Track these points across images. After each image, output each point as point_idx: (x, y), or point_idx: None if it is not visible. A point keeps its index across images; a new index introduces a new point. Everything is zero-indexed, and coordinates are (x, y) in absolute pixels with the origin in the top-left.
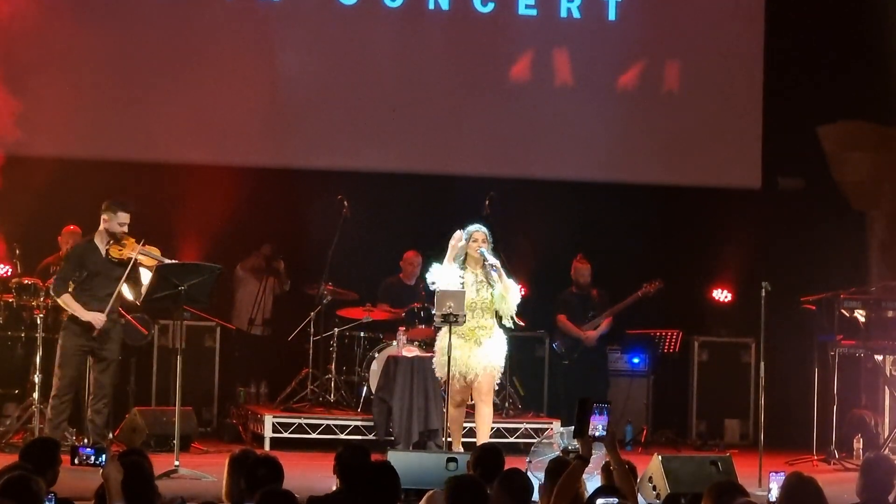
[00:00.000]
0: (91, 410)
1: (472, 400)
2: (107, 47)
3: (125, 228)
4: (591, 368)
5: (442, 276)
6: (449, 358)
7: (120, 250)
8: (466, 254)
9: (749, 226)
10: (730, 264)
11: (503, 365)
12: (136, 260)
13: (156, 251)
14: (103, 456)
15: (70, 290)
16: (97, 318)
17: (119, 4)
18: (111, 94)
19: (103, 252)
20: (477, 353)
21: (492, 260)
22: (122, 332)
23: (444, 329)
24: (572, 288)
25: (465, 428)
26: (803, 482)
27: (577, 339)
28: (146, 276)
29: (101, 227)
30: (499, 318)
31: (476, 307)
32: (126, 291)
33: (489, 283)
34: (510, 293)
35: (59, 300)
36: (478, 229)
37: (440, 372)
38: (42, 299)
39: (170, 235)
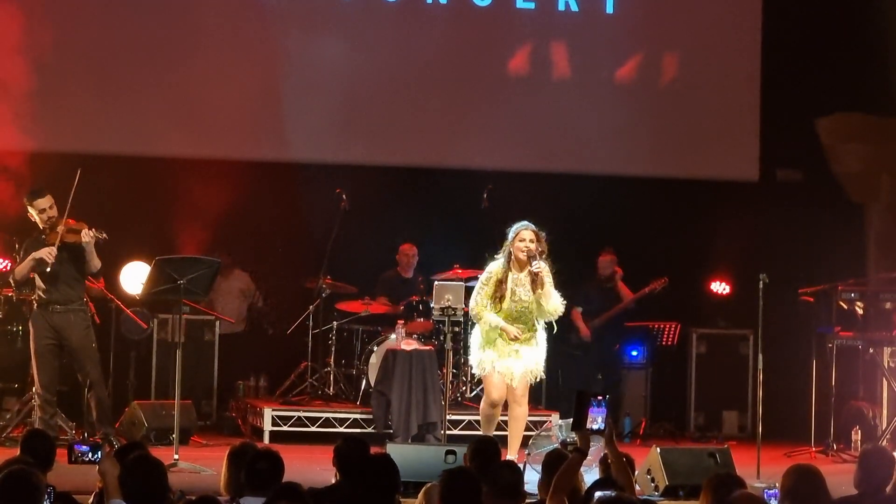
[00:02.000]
0: (92, 403)
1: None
2: (103, 41)
3: (52, 212)
4: (599, 361)
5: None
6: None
7: (53, 234)
8: (510, 253)
9: (747, 218)
10: (728, 257)
11: (542, 368)
12: (63, 239)
13: (82, 225)
14: (99, 452)
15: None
16: (45, 252)
17: (118, 3)
18: (109, 89)
19: (46, 241)
20: (518, 358)
21: (535, 267)
22: (88, 321)
23: (478, 327)
24: (595, 280)
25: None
26: (806, 472)
27: (581, 338)
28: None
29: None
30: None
31: (517, 316)
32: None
33: (532, 289)
34: (548, 302)
35: (15, 278)
36: (525, 227)
37: (480, 370)
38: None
39: (169, 229)
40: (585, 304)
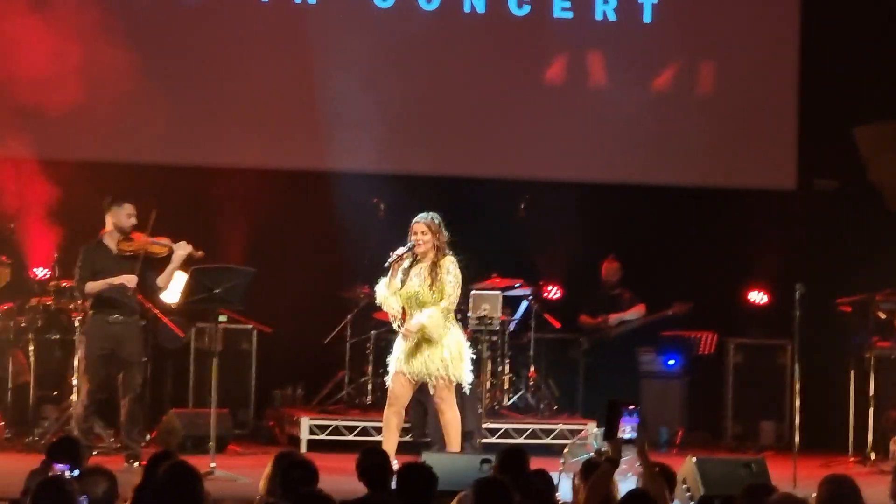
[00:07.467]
0: (122, 412)
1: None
2: (147, 55)
3: (133, 220)
4: (617, 369)
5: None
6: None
7: (131, 243)
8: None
9: (784, 227)
10: (765, 266)
11: (452, 368)
12: (147, 249)
13: (165, 239)
14: (77, 471)
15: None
16: (128, 278)
17: (157, 11)
18: (152, 101)
19: (114, 249)
20: (418, 354)
21: (393, 255)
22: (144, 333)
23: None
24: (602, 288)
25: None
26: (841, 482)
27: (598, 331)
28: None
29: (109, 226)
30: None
31: (413, 303)
32: (168, 297)
33: (430, 278)
34: (441, 294)
35: (86, 292)
36: (416, 220)
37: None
38: (80, 302)
39: (209, 238)
40: (592, 312)
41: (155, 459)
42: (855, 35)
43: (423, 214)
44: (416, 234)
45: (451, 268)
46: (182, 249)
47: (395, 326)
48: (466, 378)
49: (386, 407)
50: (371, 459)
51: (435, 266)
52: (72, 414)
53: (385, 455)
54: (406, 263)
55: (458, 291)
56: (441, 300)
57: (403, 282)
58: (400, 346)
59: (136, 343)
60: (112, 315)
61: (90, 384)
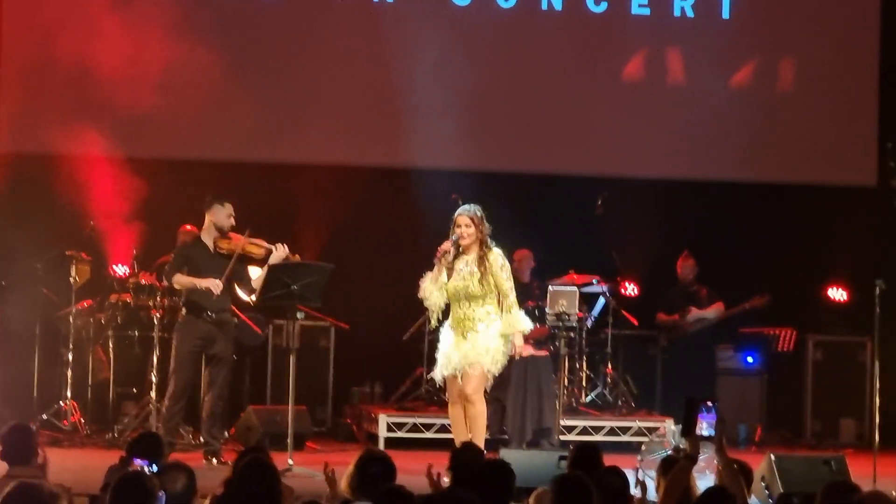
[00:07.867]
0: (204, 408)
1: None
2: (228, 53)
3: (232, 220)
4: (695, 365)
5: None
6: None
7: (228, 242)
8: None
9: (865, 224)
10: (845, 262)
11: (490, 360)
12: (244, 249)
13: (262, 241)
14: (155, 465)
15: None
16: (214, 284)
17: (237, 11)
18: (232, 99)
19: (210, 247)
20: (461, 346)
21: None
22: (234, 332)
23: (446, 325)
24: (677, 286)
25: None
26: None
27: (676, 328)
28: (253, 273)
29: (207, 223)
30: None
31: (460, 296)
32: (241, 293)
33: (479, 271)
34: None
35: (173, 284)
36: (459, 213)
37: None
38: (159, 299)
39: (288, 235)
40: (668, 310)
41: (243, 454)
42: None
43: (466, 207)
44: (459, 227)
45: (501, 261)
46: (280, 251)
47: (432, 322)
48: (494, 370)
49: (449, 406)
50: (464, 455)
51: (482, 259)
52: (151, 410)
53: (480, 453)
54: (450, 257)
55: (512, 282)
56: (489, 293)
57: (449, 276)
58: (445, 342)
59: (228, 340)
60: (205, 312)
61: (179, 383)
